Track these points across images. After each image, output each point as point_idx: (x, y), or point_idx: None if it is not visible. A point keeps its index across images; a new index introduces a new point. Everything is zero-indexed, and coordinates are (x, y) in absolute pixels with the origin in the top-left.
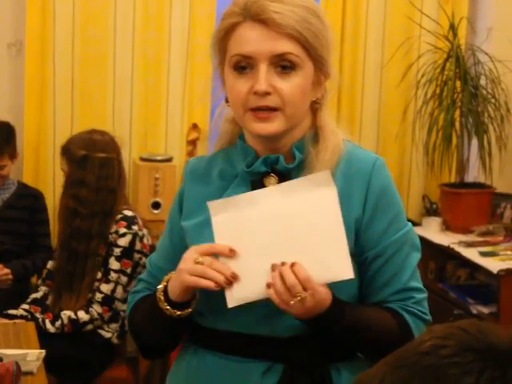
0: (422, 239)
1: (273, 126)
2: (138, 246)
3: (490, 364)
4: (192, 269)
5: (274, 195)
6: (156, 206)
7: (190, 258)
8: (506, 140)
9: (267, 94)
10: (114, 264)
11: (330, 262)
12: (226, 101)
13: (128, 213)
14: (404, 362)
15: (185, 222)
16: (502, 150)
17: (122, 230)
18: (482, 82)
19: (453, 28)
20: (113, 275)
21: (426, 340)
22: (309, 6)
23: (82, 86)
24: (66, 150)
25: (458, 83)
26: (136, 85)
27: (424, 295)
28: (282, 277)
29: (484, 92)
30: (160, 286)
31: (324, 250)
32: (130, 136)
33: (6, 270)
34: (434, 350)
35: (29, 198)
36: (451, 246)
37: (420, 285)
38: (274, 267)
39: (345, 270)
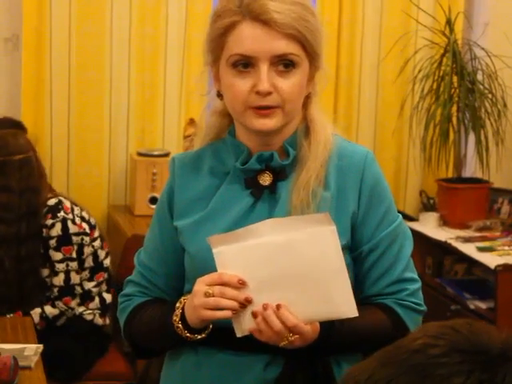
0: (420, 234)
1: (272, 122)
2: (73, 229)
3: (479, 366)
4: (205, 303)
5: (274, 229)
6: (153, 201)
7: (199, 292)
8: (503, 135)
9: (269, 93)
10: (55, 255)
11: (333, 300)
12: (218, 95)
13: (51, 202)
14: (394, 359)
15: (178, 222)
16: (499, 145)
17: (50, 222)
18: (479, 77)
19: (449, 23)
20: (58, 266)
21: (417, 338)
22: (303, 3)
23: (78, 80)
24: None
25: (455, 78)
26: (133, 80)
27: (418, 285)
28: (266, 322)
29: (481, 87)
30: (175, 317)
31: (327, 287)
32: (128, 131)
33: None
34: (423, 349)
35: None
36: (448, 241)
37: (414, 274)
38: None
39: (350, 308)
